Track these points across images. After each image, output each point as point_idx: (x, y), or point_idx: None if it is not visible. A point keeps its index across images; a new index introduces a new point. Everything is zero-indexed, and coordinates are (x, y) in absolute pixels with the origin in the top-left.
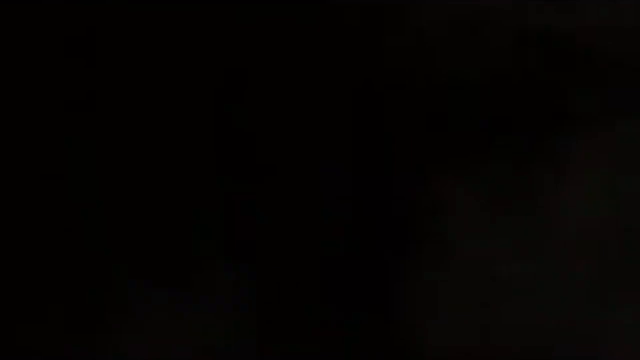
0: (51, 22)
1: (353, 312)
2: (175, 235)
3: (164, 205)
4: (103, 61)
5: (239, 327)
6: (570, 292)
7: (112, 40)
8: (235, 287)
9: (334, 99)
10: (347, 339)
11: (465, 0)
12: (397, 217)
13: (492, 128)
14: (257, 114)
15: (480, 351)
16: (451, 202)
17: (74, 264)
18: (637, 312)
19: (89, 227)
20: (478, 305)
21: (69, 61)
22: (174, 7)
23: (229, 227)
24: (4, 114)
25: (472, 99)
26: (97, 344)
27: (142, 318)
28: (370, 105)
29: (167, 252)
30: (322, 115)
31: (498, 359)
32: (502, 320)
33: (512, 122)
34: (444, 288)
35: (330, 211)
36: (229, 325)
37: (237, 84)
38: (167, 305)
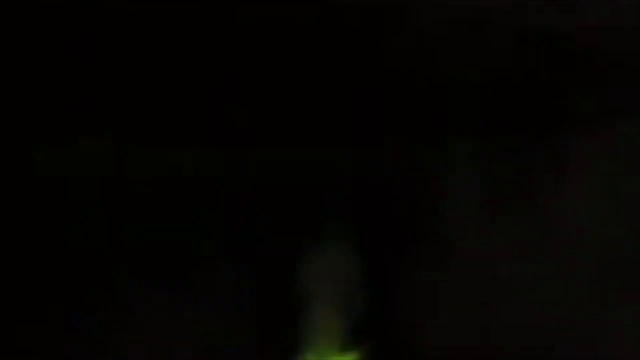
0: (51, 22)
1: (353, 312)
2: (176, 236)
3: (164, 205)
4: (103, 60)
5: (239, 327)
6: (570, 292)
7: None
8: (235, 287)
9: (334, 99)
10: (347, 338)
11: (465, 0)
12: (397, 217)
13: (492, 128)
14: (258, 114)
15: (480, 351)
16: (451, 202)
17: (74, 264)
18: (637, 312)
19: (90, 228)
20: (478, 305)
21: (69, 60)
22: (174, 7)
23: (229, 227)
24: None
25: (472, 99)
26: (97, 344)
27: (142, 318)
28: (370, 105)
29: (167, 252)
30: (322, 115)
31: (498, 359)
32: (502, 320)
33: (512, 122)
34: (444, 288)
35: (330, 211)
36: (229, 325)
37: (238, 83)
38: (167, 305)
